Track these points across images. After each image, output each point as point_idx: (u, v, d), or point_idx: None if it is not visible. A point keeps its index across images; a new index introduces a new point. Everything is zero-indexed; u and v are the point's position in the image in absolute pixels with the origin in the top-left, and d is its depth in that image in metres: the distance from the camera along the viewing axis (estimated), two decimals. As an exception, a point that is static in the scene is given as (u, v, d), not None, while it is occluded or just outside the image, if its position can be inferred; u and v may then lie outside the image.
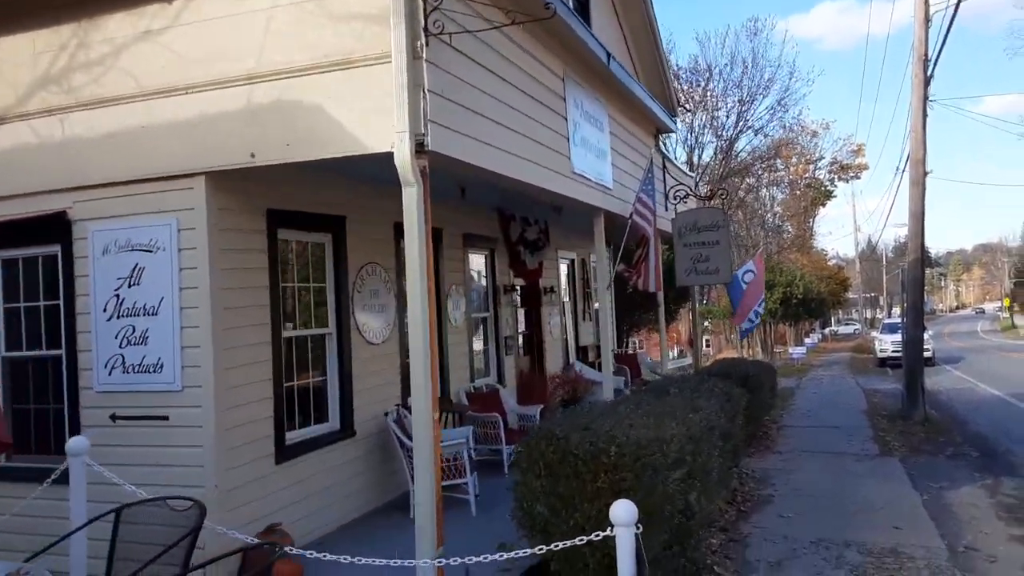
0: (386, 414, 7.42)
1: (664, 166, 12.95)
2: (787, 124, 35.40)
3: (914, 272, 14.13)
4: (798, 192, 43.23)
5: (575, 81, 8.40)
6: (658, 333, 14.92)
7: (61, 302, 6.21)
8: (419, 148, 4.99)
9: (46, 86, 6.17)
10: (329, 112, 5.29)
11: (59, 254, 6.23)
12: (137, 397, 5.79)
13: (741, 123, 32.75)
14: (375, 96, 5.09)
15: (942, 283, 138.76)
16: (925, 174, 13.70)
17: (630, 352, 18.37)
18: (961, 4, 12.78)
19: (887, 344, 28.88)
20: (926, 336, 17.09)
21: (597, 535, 3.81)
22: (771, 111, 33.58)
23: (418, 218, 4.97)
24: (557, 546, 4.02)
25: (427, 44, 5.06)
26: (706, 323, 36.53)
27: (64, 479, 5.10)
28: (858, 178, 43.50)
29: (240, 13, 5.56)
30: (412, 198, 4.98)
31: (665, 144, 20.31)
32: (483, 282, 10.78)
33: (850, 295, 60.36)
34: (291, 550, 4.10)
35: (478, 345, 10.44)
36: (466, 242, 9.97)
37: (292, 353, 6.70)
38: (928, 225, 14.11)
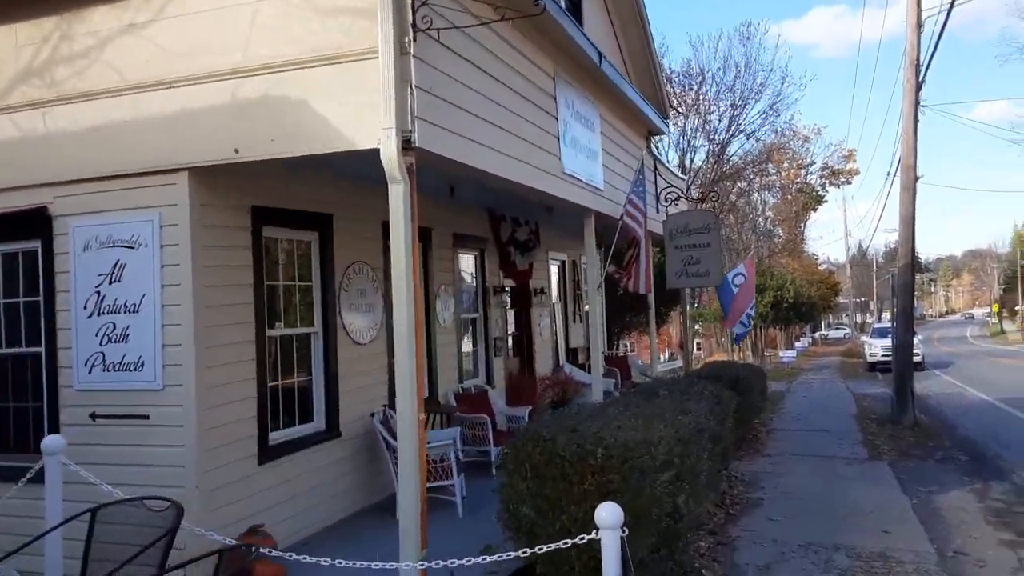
0: (372, 415, 7.33)
1: (655, 168, 12.92)
2: (779, 129, 35.48)
3: (904, 277, 14.15)
4: (789, 197, 43.31)
5: (566, 80, 8.35)
6: (649, 336, 14.87)
7: (41, 299, 6.11)
8: (406, 145, 4.92)
9: (28, 79, 6.08)
10: (315, 108, 5.22)
11: (39, 250, 6.12)
12: (117, 396, 5.69)
13: (733, 127, 32.81)
14: (362, 92, 5.02)
15: (932, 288, 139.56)
16: (916, 179, 13.72)
17: (620, 354, 18.34)
18: (953, 10, 12.81)
19: (877, 349, 28.95)
20: (916, 341, 17.12)
21: (582, 538, 3.75)
22: (763, 115, 33.64)
23: (404, 216, 4.90)
24: (542, 549, 3.96)
25: (415, 39, 5.00)
26: (697, 326, 36.57)
27: (40, 478, 5.01)
28: (849, 183, 43.59)
29: (226, 7, 5.47)
30: (398, 195, 4.91)
31: (657, 147, 20.31)
32: (473, 282, 10.71)
33: (840, 300, 60.56)
34: (269, 552, 4.02)
35: (467, 346, 10.37)
36: (456, 242, 9.90)
37: (277, 352, 6.61)
38: (918, 231, 14.15)
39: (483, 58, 6.18)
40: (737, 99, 32.40)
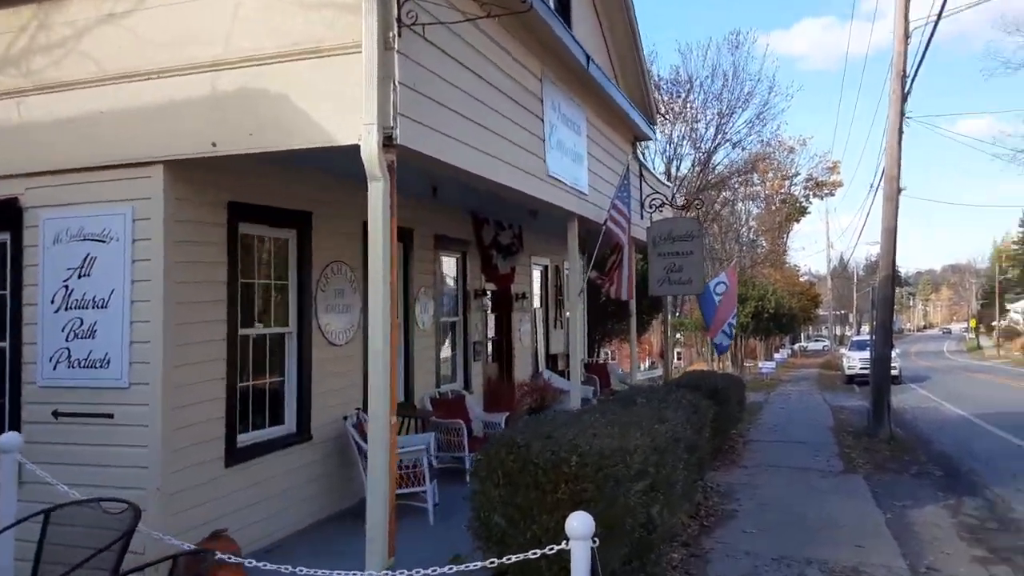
0: (345, 418, 7.21)
1: (641, 174, 12.89)
2: (765, 139, 35.65)
3: (884, 291, 14.21)
4: (773, 207, 43.57)
5: (553, 82, 8.29)
6: (630, 344, 14.84)
7: (8, 292, 5.95)
8: (387, 141, 4.84)
9: (4, 69, 5.95)
10: (295, 102, 5.12)
11: (8, 242, 5.98)
12: (81, 393, 5.55)
13: (720, 136, 32.92)
14: (344, 86, 4.94)
15: (911, 302, 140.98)
16: (899, 191, 13.78)
17: (600, 362, 18.28)
18: (940, 24, 12.89)
19: (855, 361, 29.12)
20: (894, 354, 17.20)
21: (551, 548, 3.67)
22: (749, 124, 33.74)
23: (383, 214, 4.82)
24: (511, 559, 3.87)
25: (399, 35, 4.92)
26: (678, 335, 36.64)
27: (-5, 477, 4.85)
28: (832, 195, 44.01)
29: (207, -3, 5.37)
30: (378, 193, 4.83)
31: (643, 154, 20.31)
32: (454, 286, 10.61)
33: (820, 312, 61.01)
34: (229, 558, 3.90)
35: (446, 350, 10.27)
36: (437, 244, 9.80)
37: (249, 352, 6.47)
38: (899, 244, 14.20)
39: (469, 56, 6.11)
40: (724, 108, 32.50)
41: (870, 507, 8.42)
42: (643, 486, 4.75)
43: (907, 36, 13.55)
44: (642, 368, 29.22)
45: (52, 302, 5.69)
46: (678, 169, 32.92)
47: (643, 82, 13.05)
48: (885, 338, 14.14)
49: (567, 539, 3.51)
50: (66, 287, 5.66)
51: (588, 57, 8.76)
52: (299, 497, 6.83)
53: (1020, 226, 76.79)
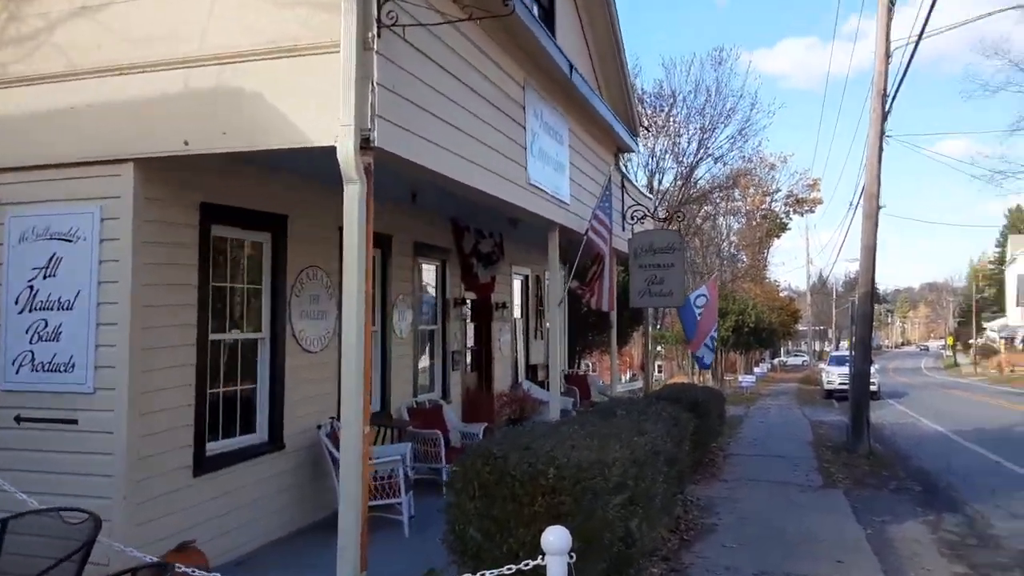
0: (319, 427, 7.05)
1: (623, 186, 12.86)
2: (746, 155, 35.92)
3: (864, 307, 14.24)
4: (754, 223, 43.85)
5: (536, 91, 8.22)
6: (610, 355, 14.75)
7: (-30, 292, 5.74)
8: (364, 144, 4.74)
9: (-30, 60, 5.76)
10: (271, 101, 5.00)
11: (-29, 240, 5.77)
12: (45, 398, 5.36)
13: (702, 151, 33.12)
14: (321, 87, 4.83)
15: (889, 319, 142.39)
16: (878, 208, 13.84)
17: (581, 373, 18.15)
18: (920, 46, 13.00)
19: (834, 376, 29.23)
20: (872, 370, 17.25)
21: (527, 564, 3.55)
22: (731, 140, 34.01)
23: (359, 218, 4.71)
24: (486, 574, 3.74)
25: (379, 35, 4.83)
26: (659, 348, 36.66)
27: (-50, 484, 4.66)
28: (812, 212, 44.29)
29: (182, -8, 5.24)
30: (354, 196, 4.72)
31: (626, 166, 20.34)
32: (433, 294, 10.48)
33: (800, 327, 61.37)
34: (193, 572, 3.74)
35: (424, 359, 10.12)
36: (417, 251, 9.68)
37: (220, 358, 6.30)
38: (878, 262, 14.27)
39: (450, 60, 6.01)
40: (707, 123, 32.76)
41: (850, 522, 8.36)
42: (622, 499, 4.65)
43: (888, 56, 13.65)
44: (623, 380, 29.12)
45: (16, 303, 5.50)
46: (660, 182, 33.09)
47: (627, 95, 13.04)
48: (864, 354, 14.16)
49: (543, 554, 3.40)
50: (31, 287, 5.48)
51: (571, 66, 8.71)
52: (270, 508, 6.65)
53: (997, 246, 77.95)
